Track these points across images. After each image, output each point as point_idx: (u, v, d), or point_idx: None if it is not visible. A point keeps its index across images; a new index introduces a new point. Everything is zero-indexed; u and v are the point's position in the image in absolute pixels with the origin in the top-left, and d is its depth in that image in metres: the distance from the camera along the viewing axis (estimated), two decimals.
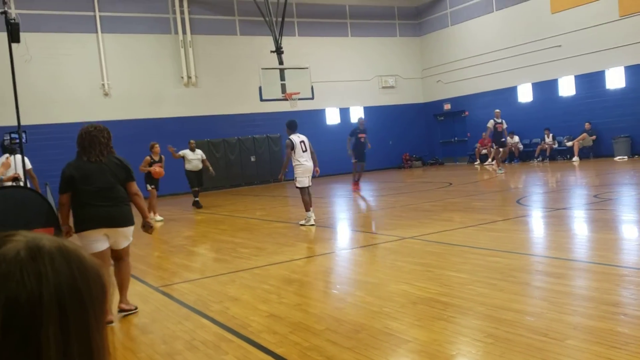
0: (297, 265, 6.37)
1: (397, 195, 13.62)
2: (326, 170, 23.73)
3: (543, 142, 21.33)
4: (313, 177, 9.74)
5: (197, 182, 14.66)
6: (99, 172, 4.62)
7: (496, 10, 23.30)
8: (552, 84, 21.46)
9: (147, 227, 5.13)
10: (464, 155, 25.36)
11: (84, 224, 4.62)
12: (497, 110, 18.31)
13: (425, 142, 26.77)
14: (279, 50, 18.77)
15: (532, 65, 21.81)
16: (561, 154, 20.95)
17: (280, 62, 18.70)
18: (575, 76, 20.63)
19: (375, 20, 25.92)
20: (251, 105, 21.17)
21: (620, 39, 18.87)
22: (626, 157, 18.58)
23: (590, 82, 20.12)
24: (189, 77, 21.42)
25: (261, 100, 18.39)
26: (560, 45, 20.69)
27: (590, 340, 3.31)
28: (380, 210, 11.39)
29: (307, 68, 18.86)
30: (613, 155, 18.97)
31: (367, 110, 25.34)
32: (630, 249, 6.00)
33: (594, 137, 19.91)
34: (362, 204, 13.16)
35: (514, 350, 3.22)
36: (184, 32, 21.36)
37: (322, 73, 22.49)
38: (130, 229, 4.84)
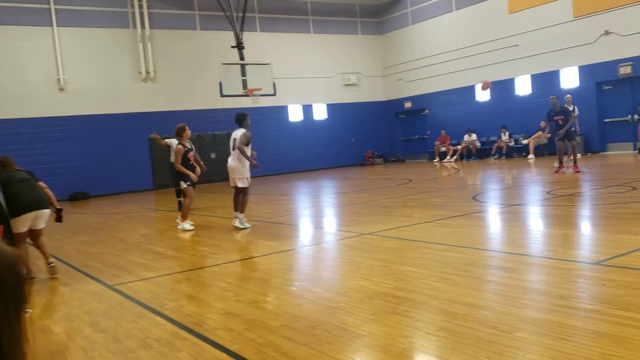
0: (256, 263, 6.35)
1: (358, 192, 13.70)
2: (288, 167, 23.79)
3: (500, 139, 21.81)
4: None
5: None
6: None
7: (455, 10, 23.66)
8: (509, 83, 21.94)
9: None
10: (424, 152, 25.71)
11: None
12: (569, 96, 16.92)
13: (387, 139, 27.02)
14: (240, 46, 18.65)
15: (490, 65, 22.24)
16: (517, 152, 21.46)
17: (242, 58, 18.57)
18: (532, 75, 21.14)
19: (337, 18, 25.99)
20: (212, 101, 20.95)
21: (575, 40, 19.43)
22: (579, 154, 19.13)
23: (546, 81, 20.65)
24: (148, 72, 21.04)
25: (222, 95, 18.24)
26: (517, 45, 21.18)
27: (538, 332, 3.40)
28: (341, 207, 11.44)
29: (268, 64, 18.79)
30: (567, 153, 19.50)
31: (330, 107, 25.41)
32: (579, 243, 6.19)
33: (548, 135, 20.42)
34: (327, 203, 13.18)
35: (464, 343, 3.28)
36: (143, 27, 20.95)
37: (284, 69, 22.43)
38: None
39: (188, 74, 21.81)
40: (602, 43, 18.79)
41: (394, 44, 26.68)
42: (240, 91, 18.13)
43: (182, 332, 4.01)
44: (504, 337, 3.33)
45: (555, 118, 13.88)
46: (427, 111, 25.51)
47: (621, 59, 18.30)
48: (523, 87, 21.56)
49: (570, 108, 15.97)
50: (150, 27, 21.18)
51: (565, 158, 14.35)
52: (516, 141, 21.51)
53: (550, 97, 14.33)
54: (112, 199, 18.49)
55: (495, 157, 21.67)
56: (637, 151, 15.79)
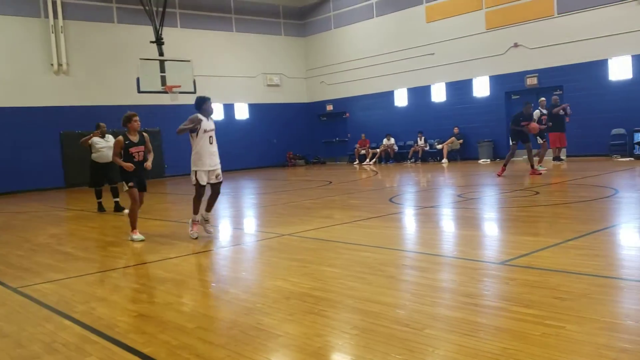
0: (172, 264, 6.22)
1: (279, 193, 13.72)
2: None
3: (416, 144, 22.57)
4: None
5: (106, 177, 11.41)
6: None
7: (376, 17, 24.24)
8: (425, 90, 22.76)
9: None
10: (344, 155, 26.14)
11: None
12: (543, 99, 16.00)
13: (309, 141, 27.23)
14: (159, 41, 18.16)
15: (408, 71, 22.98)
16: (432, 156, 22.30)
17: (161, 54, 18.11)
18: (446, 83, 22.03)
19: (260, 18, 25.91)
20: (128, 97, 20.23)
21: (486, 51, 20.45)
22: (489, 160, 20.20)
23: (459, 89, 21.60)
24: (60, 65, 20.06)
25: (139, 92, 17.70)
26: (433, 54, 22.00)
27: (446, 329, 3.56)
28: (261, 208, 11.42)
29: (189, 61, 18.44)
30: (478, 158, 20.53)
31: (252, 107, 25.28)
32: (486, 244, 6.53)
33: (461, 140, 21.40)
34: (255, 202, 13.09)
35: (377, 341, 3.38)
36: (55, 17, 19.96)
37: (205, 67, 22.09)
38: None
39: (103, 68, 20.99)
40: (512, 55, 19.90)
41: (317, 47, 26.95)
42: (159, 88, 17.66)
43: (92, 335, 3.87)
44: (414, 334, 3.46)
45: (523, 124, 13.65)
46: (347, 114, 25.95)
47: (528, 70, 19.47)
48: (438, 94, 22.43)
49: (545, 112, 15.43)
50: (64, 18, 20.21)
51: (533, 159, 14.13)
52: (431, 146, 22.34)
53: (526, 102, 14.18)
54: (19, 197, 17.46)
55: (412, 160, 22.39)
56: (552, 158, 16.83)
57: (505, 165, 13.98)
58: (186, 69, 18.16)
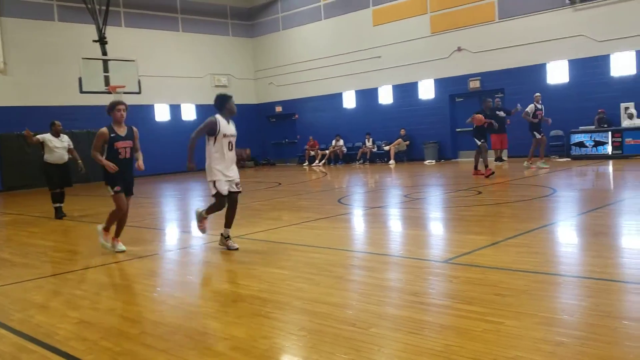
0: (116, 269, 6.06)
1: None
2: (154, 169, 22.89)
3: (364, 145, 22.82)
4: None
5: (61, 180, 10.64)
6: None
7: (325, 19, 24.38)
8: (373, 92, 23.06)
9: None
10: (294, 156, 26.15)
11: None
12: (538, 94, 15.21)
13: (258, 142, 27.09)
14: (102, 40, 17.69)
15: (356, 74, 23.22)
16: (380, 157, 22.59)
17: (104, 53, 17.64)
18: (393, 86, 22.38)
19: (207, 18, 25.62)
20: (70, 98, 19.61)
21: (431, 54, 20.89)
22: (434, 161, 20.65)
23: (406, 92, 21.99)
24: None
25: (81, 92, 17.19)
26: (380, 57, 22.31)
27: (392, 327, 3.62)
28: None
29: (133, 61, 18.04)
30: (424, 159, 20.95)
31: (200, 108, 24.92)
32: (431, 243, 6.67)
33: (407, 142, 21.78)
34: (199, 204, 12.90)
35: (324, 341, 3.40)
36: None
37: (151, 67, 21.64)
38: None
39: (44, 67, 20.25)
40: (455, 58, 20.41)
41: (266, 48, 26.87)
42: (102, 88, 17.19)
43: (30, 344, 3.73)
44: (360, 334, 3.50)
45: (486, 121, 13.59)
46: (297, 116, 25.98)
47: (471, 73, 20.01)
48: (386, 96, 22.76)
49: (540, 107, 14.86)
50: (1, 15, 19.39)
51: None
52: (379, 147, 22.64)
53: (485, 99, 14.03)
54: None
55: (360, 162, 22.63)
56: (495, 159, 17.29)
57: (486, 165, 13.35)
58: (131, 69, 17.75)
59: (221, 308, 4.28)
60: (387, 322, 3.73)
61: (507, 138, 16.01)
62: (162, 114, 23.92)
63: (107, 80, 17.25)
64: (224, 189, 6.38)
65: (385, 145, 22.24)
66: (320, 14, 24.51)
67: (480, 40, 19.63)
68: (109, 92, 17.30)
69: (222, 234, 6.60)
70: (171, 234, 8.78)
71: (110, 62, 17.40)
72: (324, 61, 24.31)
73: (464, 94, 20.50)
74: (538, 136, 14.84)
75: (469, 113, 20.31)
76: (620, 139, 16.39)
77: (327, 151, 23.83)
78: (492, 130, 14.78)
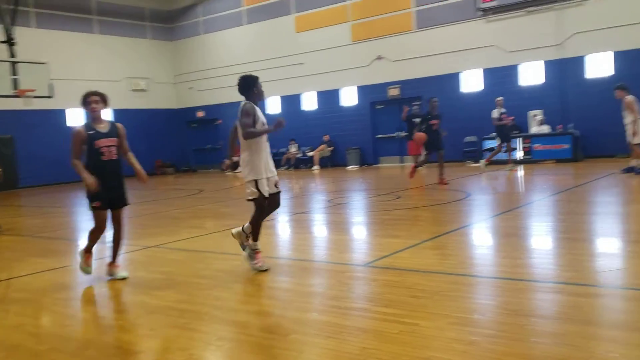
0: (23, 282, 5.72)
1: (146, 203, 13.17)
2: (68, 177, 21.86)
3: (289, 151, 22.87)
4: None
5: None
6: None
7: (247, 24, 24.28)
8: (296, 98, 23.17)
9: None
10: (217, 162, 25.75)
11: None
12: (500, 98, 15.20)
13: (179, 148, 26.49)
14: (10, 42, 16.72)
15: (280, 80, 23.22)
16: (304, 163, 22.71)
17: (12, 55, 16.67)
18: (317, 92, 22.60)
19: (124, 20, 24.82)
20: None
21: (353, 61, 21.28)
22: (357, 166, 21.02)
23: (329, 98, 22.26)
24: None
25: None
26: (303, 63, 22.46)
27: (311, 332, 3.63)
28: (125, 219, 10.87)
29: (45, 63, 17.16)
30: (346, 165, 21.27)
31: (117, 113, 23.98)
32: (352, 247, 6.76)
33: (331, 148, 22.04)
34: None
35: (242, 350, 3.37)
36: None
37: (64, 70, 20.69)
38: None
39: None
40: (376, 66, 20.89)
41: (186, 52, 26.38)
42: (10, 91, 16.23)
43: None
44: (280, 341, 3.49)
45: (432, 122, 12.46)
46: (220, 121, 25.64)
47: (391, 81, 20.54)
48: (309, 102, 22.94)
49: (504, 110, 15.06)
50: None
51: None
52: (303, 153, 22.77)
53: (432, 99, 13.03)
54: None
55: (285, 168, 22.64)
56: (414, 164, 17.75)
57: (441, 174, 12.37)
58: (42, 71, 16.87)
59: (136, 320, 4.14)
60: (307, 327, 3.74)
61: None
62: (75, 118, 22.90)
63: (16, 84, 16.30)
64: (266, 189, 5.31)
65: (310, 151, 22.39)
66: (242, 19, 24.38)
67: (399, 49, 20.20)
68: (18, 96, 16.38)
69: (249, 247, 5.43)
70: (84, 245, 8.39)
71: (19, 65, 16.46)
72: (247, 66, 24.09)
73: (384, 101, 21.01)
74: (499, 142, 15.28)
75: (390, 120, 20.97)
76: (529, 145, 17.34)
77: None
78: (410, 137, 14.99)
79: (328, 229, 8.17)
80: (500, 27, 18.32)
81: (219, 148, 25.68)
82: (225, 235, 7.70)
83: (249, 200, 5.35)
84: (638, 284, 4.32)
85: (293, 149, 22.83)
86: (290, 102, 23.34)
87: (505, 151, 15.42)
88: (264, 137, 5.40)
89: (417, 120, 16.14)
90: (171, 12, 26.50)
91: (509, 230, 6.96)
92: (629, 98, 11.92)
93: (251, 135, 5.24)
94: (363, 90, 21.37)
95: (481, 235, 6.93)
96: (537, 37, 17.66)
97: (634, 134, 11.88)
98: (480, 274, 4.93)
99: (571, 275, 4.66)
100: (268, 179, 5.35)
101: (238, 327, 3.80)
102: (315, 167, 21.64)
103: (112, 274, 5.52)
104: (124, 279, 5.43)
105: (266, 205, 5.40)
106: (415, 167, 13.52)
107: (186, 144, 26.77)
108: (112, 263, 5.58)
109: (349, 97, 21.88)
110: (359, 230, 7.94)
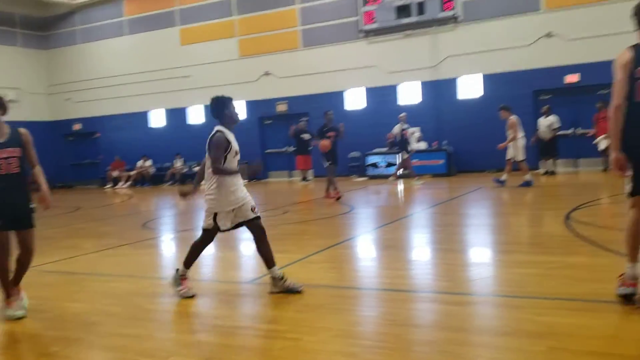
0: None
1: None
2: None
3: (174, 166, 22.26)
4: None
5: None
6: None
7: (129, 34, 23.44)
8: (182, 112, 22.67)
9: None
10: (96, 178, 24.44)
11: None
12: (403, 114, 15.74)
13: (53, 163, 24.74)
14: None
15: (165, 92, 22.63)
16: (190, 178, 22.18)
17: None
18: (204, 106, 22.25)
19: None
20: None
21: (241, 76, 21.24)
22: (246, 181, 20.82)
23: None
24: None
25: None
26: (189, 76, 22.06)
27: (192, 355, 3.55)
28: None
29: None
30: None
31: None
32: (236, 264, 6.70)
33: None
34: None
35: None
36: None
37: None
38: None
39: None
40: (264, 82, 21.02)
41: (62, 61, 24.90)
42: None
43: None
44: None
45: (329, 134, 12.24)
46: (98, 134, 24.42)
47: (279, 97, 20.75)
48: (196, 116, 22.53)
49: (405, 126, 15.43)
50: None
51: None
52: (190, 168, 22.26)
53: (328, 112, 12.90)
54: None
55: (169, 183, 21.99)
56: (301, 179, 18.04)
57: (335, 188, 12.22)
58: None
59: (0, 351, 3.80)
60: (189, 349, 3.65)
61: (312, 159, 16.78)
62: None
63: None
64: (227, 224, 4.94)
65: (196, 166, 21.92)
66: (124, 29, 23.50)
67: (287, 66, 20.48)
68: None
69: (273, 273, 4.86)
70: None
71: None
72: (130, 78, 23.28)
73: (273, 117, 21.14)
74: (405, 155, 15.57)
75: (278, 135, 21.12)
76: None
77: (133, 172, 22.73)
78: (297, 152, 15.13)
79: (214, 247, 8.01)
80: (381, 49, 19.20)
81: (98, 162, 24.41)
82: (105, 255, 7.33)
83: (203, 229, 5.06)
84: (506, 291, 4.67)
85: (179, 163, 22.25)
86: (176, 115, 22.78)
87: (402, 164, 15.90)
88: (236, 162, 5.08)
89: (305, 135, 16.42)
90: (46, 19, 24.92)
91: (389, 242, 7.26)
92: (513, 118, 12.94)
93: (220, 172, 4.87)
94: (251, 105, 21.37)
95: (364, 248, 7.16)
96: (414, 59, 18.71)
97: (519, 150, 12.83)
98: (362, 286, 5.08)
99: (446, 284, 4.95)
100: (241, 207, 4.92)
101: (115, 352, 3.62)
102: (202, 182, 21.21)
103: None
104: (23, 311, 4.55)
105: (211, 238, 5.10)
106: (329, 188, 12.54)
107: (62, 159, 25.14)
108: (14, 287, 4.66)
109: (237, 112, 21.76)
110: (245, 247, 7.87)
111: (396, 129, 15.60)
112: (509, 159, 13.04)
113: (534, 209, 10.10)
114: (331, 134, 12.30)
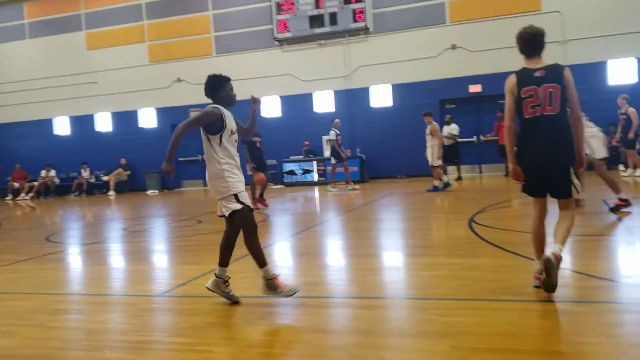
0: None
1: None
2: None
3: (80, 176, 21.28)
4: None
5: None
6: None
7: (30, 38, 22.26)
8: (89, 119, 21.76)
9: None
10: None
11: None
12: (337, 121, 15.66)
13: None
14: None
15: (70, 99, 21.65)
16: (98, 188, 21.32)
17: None
18: (112, 113, 21.47)
19: None
20: None
21: (152, 83, 20.70)
22: (157, 191, 20.34)
23: (125, 119, 21.31)
24: None
25: None
26: (96, 82, 21.22)
27: None
28: None
29: None
30: (146, 189, 20.47)
31: None
32: (147, 277, 6.50)
33: (128, 172, 21.03)
34: None
35: None
36: None
37: None
38: None
39: None
40: (176, 88, 20.59)
41: None
42: None
43: None
44: None
45: (254, 139, 11.97)
46: None
47: (192, 104, 20.35)
48: (104, 124, 21.69)
49: (338, 132, 15.37)
50: None
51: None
52: (97, 177, 21.36)
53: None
54: None
55: (76, 193, 21.02)
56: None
57: (253, 197, 11.70)
58: None
59: None
60: None
61: None
62: None
63: None
64: (249, 201, 4.59)
65: (104, 176, 21.08)
66: (25, 33, 22.24)
67: (200, 73, 19.94)
68: None
69: (220, 277, 4.64)
70: None
71: None
72: (31, 83, 22.05)
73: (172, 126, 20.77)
74: (333, 161, 15.41)
75: (193, 142, 20.65)
76: (323, 168, 18.50)
77: (35, 183, 21.48)
78: None
79: (123, 259, 7.76)
80: (296, 57, 19.38)
81: None
82: (2, 272, 6.88)
83: (228, 216, 4.59)
84: (412, 294, 4.85)
85: (85, 173, 21.29)
86: (82, 122, 21.82)
87: (339, 169, 15.84)
88: (233, 150, 4.69)
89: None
90: None
91: (303, 249, 7.32)
92: (435, 124, 13.44)
93: (175, 135, 4.63)
94: (163, 112, 20.87)
95: (278, 256, 7.18)
96: (328, 68, 19.04)
97: (438, 157, 13.35)
98: (274, 295, 5.08)
99: (357, 289, 5.07)
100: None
101: None
102: (111, 193, 20.42)
103: None
104: None
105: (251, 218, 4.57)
106: (260, 197, 12.16)
107: None
108: None
109: (148, 119, 21.16)
110: (157, 259, 7.67)
111: (332, 134, 15.46)
112: (432, 166, 13.54)
113: (441, 213, 10.55)
114: (257, 139, 12.02)
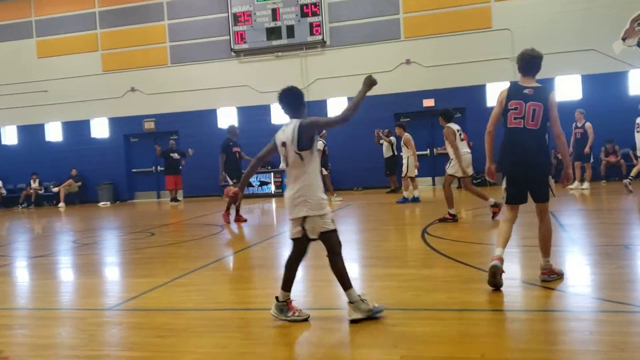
0: None
1: None
2: None
3: (29, 187, 20.61)
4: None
5: None
6: None
7: None
8: (39, 129, 21.16)
9: None
10: None
11: None
12: (324, 131, 14.07)
13: None
14: None
15: (18, 108, 21.01)
16: (48, 200, 20.69)
17: None
18: (62, 122, 20.94)
19: None
20: None
21: (105, 92, 20.30)
22: (109, 202, 19.88)
23: (77, 129, 20.81)
24: None
25: None
26: (47, 91, 20.68)
27: None
28: None
29: None
30: (98, 201, 19.98)
31: None
32: (99, 291, 6.34)
33: (79, 183, 20.50)
34: None
35: None
36: None
37: None
38: None
39: None
40: (130, 98, 20.24)
41: None
42: None
43: None
44: None
45: (235, 149, 11.62)
46: None
47: (146, 114, 20.10)
48: (54, 133, 21.12)
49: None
50: None
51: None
52: (47, 189, 20.73)
53: (232, 125, 12.24)
54: None
55: (24, 205, 20.33)
56: (170, 199, 17.63)
57: (230, 208, 11.46)
58: None
59: None
60: None
61: (182, 179, 16.40)
62: None
63: None
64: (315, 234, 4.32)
65: (54, 187, 20.46)
66: None
67: (155, 83, 19.92)
68: None
69: (350, 298, 4.25)
70: None
71: None
72: None
73: (140, 135, 20.40)
74: (325, 172, 14.86)
75: (146, 153, 20.37)
76: (280, 179, 18.49)
77: None
78: (166, 172, 14.86)
79: (73, 273, 7.55)
80: (253, 69, 19.38)
81: None
82: None
83: (324, 232, 4.24)
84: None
85: (34, 184, 20.63)
86: (31, 132, 21.19)
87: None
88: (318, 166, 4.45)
89: (175, 155, 16.04)
90: None
91: (258, 261, 7.30)
92: (407, 135, 13.61)
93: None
94: (115, 122, 20.48)
95: (232, 268, 7.13)
96: (285, 80, 18.88)
97: (411, 167, 13.44)
98: (230, 307, 5.05)
99: (310, 300, 5.09)
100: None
101: None
102: (61, 204, 19.83)
103: None
104: None
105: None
106: (228, 209, 11.61)
107: None
108: None
109: (100, 129, 20.72)
110: (107, 272, 7.50)
111: (320, 145, 14.61)
112: (404, 176, 13.65)
113: (396, 224, 10.68)
114: (237, 149, 11.65)
